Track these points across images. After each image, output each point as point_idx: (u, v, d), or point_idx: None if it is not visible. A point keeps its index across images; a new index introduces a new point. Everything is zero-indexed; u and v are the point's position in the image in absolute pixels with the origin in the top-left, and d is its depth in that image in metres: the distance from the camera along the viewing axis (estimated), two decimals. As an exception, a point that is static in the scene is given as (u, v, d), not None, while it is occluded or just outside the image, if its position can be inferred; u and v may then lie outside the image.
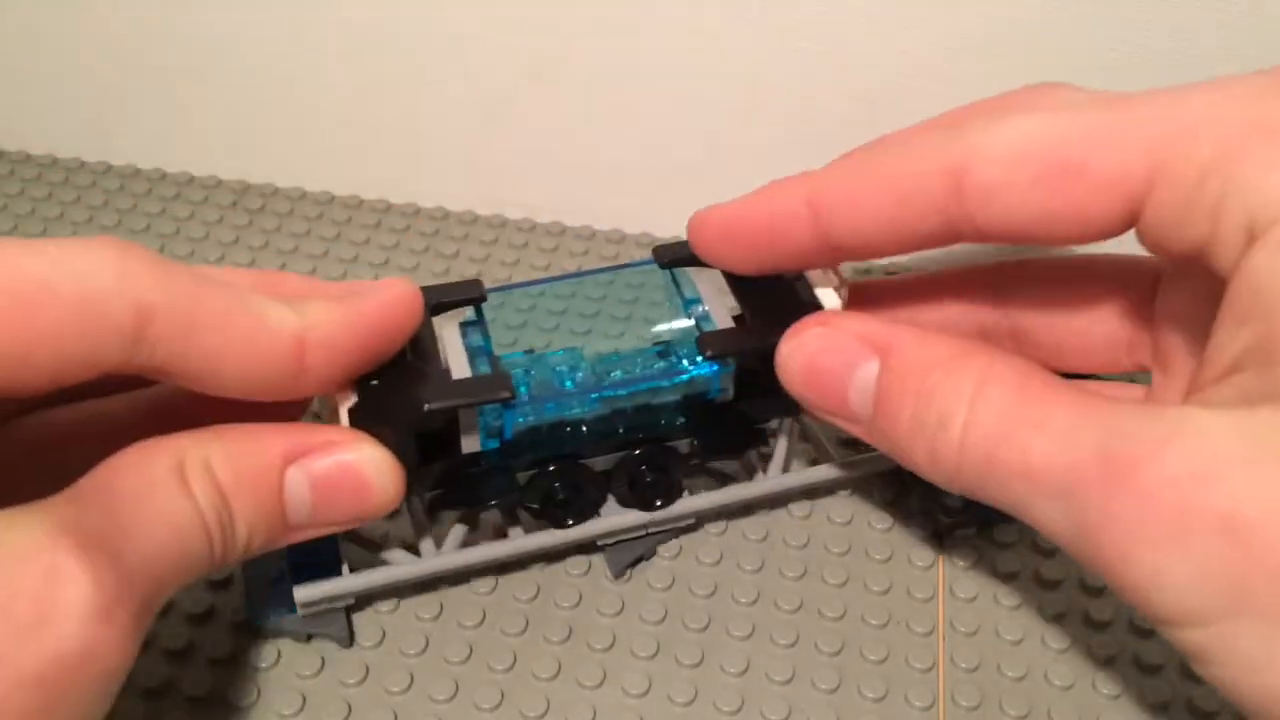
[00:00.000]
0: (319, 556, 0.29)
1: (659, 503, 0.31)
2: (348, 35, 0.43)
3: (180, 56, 0.45)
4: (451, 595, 0.31)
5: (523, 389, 0.28)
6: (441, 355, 0.28)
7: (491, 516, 0.33)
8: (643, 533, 0.32)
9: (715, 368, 0.29)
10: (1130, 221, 0.23)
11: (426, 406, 0.26)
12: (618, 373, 0.30)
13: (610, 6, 0.41)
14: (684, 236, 0.45)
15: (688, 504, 0.32)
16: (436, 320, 0.28)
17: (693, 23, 0.41)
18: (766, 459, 0.33)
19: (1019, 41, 0.39)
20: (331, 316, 0.25)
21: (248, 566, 0.30)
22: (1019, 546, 0.33)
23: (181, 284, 0.23)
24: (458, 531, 0.31)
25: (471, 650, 0.30)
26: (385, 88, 0.44)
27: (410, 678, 0.29)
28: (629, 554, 0.32)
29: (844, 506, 0.34)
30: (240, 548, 0.25)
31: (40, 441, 0.28)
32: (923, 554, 0.33)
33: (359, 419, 0.26)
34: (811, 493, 0.34)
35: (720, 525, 0.33)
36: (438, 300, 0.29)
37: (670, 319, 0.30)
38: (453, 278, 0.43)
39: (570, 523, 0.31)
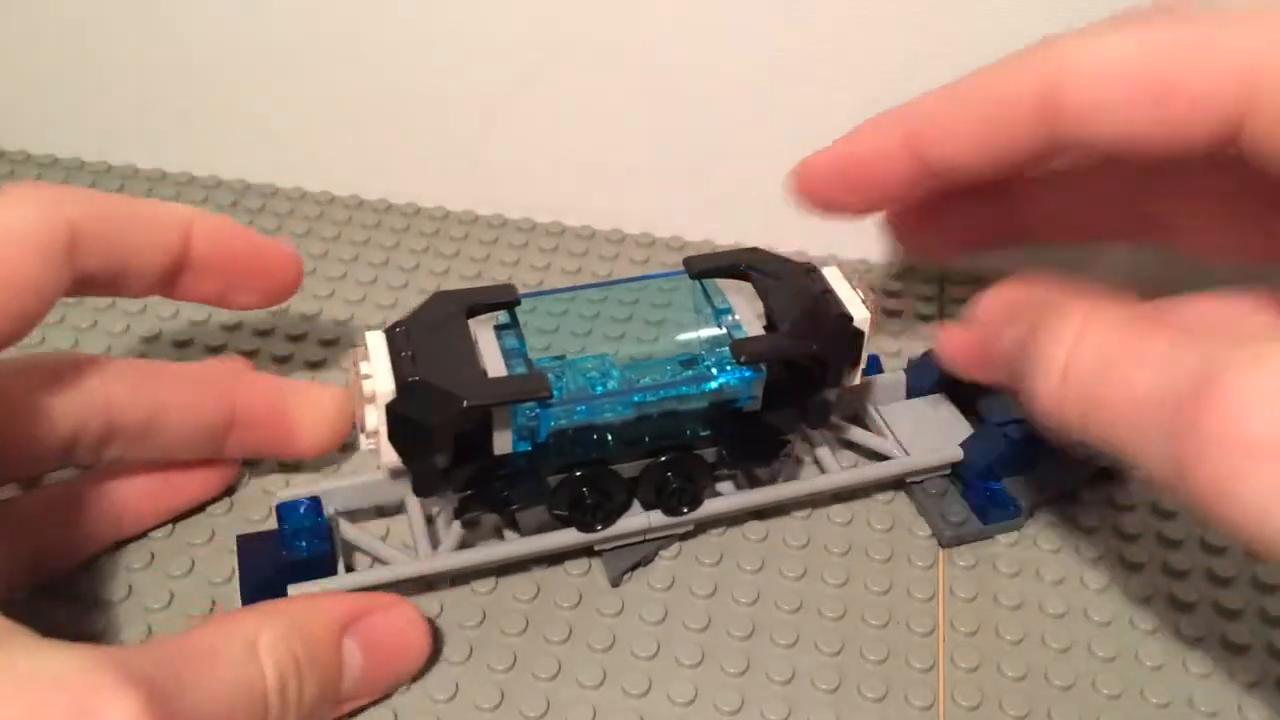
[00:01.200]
0: (314, 556, 0.29)
1: (685, 509, 0.31)
2: (348, 35, 0.43)
3: (180, 57, 0.45)
4: (451, 595, 0.31)
5: (557, 391, 0.28)
6: (478, 356, 0.28)
7: (491, 517, 0.33)
8: (641, 538, 0.32)
9: (748, 374, 0.29)
10: (1230, 135, 0.23)
11: (466, 403, 0.26)
12: (649, 378, 0.30)
13: (610, 7, 0.41)
14: (683, 237, 0.45)
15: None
16: (472, 323, 0.29)
17: (693, 23, 0.41)
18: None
19: (1020, 38, 0.39)
20: (220, 219, 0.31)
21: (244, 566, 0.30)
22: (1020, 546, 0.33)
23: (89, 197, 0.28)
24: (457, 531, 0.31)
25: (471, 650, 0.30)
26: (385, 88, 0.44)
27: (410, 678, 0.29)
28: (627, 560, 0.32)
29: (844, 507, 0.34)
30: (304, 715, 0.26)
31: (11, 523, 0.30)
32: (923, 554, 0.33)
33: (397, 414, 0.27)
34: (814, 500, 0.34)
35: (719, 526, 0.33)
36: (473, 303, 0.29)
37: (700, 328, 0.31)
38: (453, 278, 0.43)
39: (599, 527, 0.31)
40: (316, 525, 0.30)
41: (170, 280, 0.31)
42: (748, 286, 0.31)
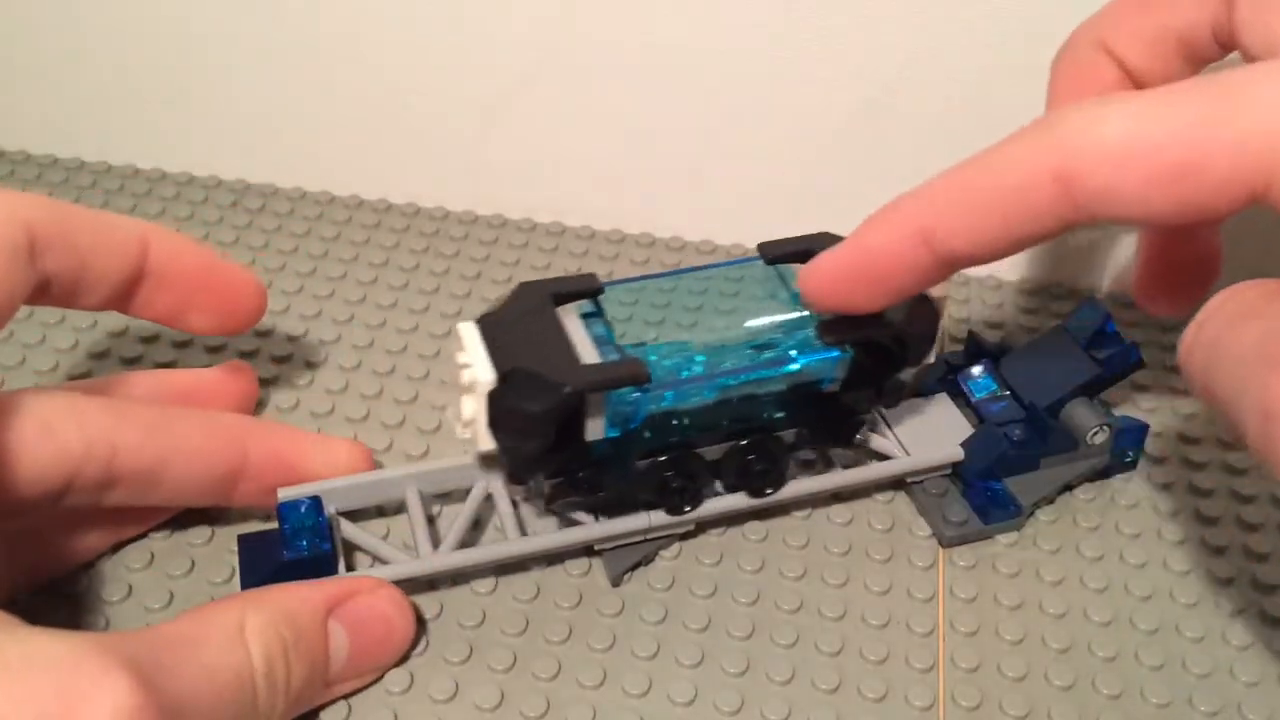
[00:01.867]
0: (314, 556, 0.29)
1: (768, 490, 0.32)
2: (348, 35, 0.43)
3: (180, 56, 0.45)
4: (451, 595, 0.31)
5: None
6: (571, 343, 0.28)
7: (493, 519, 0.33)
8: (641, 538, 0.32)
9: (834, 355, 0.30)
10: (1253, 200, 0.23)
11: (569, 389, 0.27)
12: (729, 362, 0.30)
13: (610, 7, 0.41)
14: (683, 237, 0.45)
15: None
16: (559, 311, 0.29)
17: (693, 23, 0.41)
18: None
19: (1021, 38, 0.39)
20: (178, 235, 0.32)
21: (244, 565, 0.30)
22: (1020, 546, 0.33)
23: (47, 202, 0.28)
24: (457, 531, 0.31)
25: (471, 650, 0.30)
26: (385, 88, 0.44)
27: (410, 677, 0.29)
28: (627, 560, 0.32)
29: (844, 507, 0.34)
30: (292, 699, 0.26)
31: (11, 529, 0.29)
32: (923, 554, 0.33)
33: (499, 402, 0.27)
34: (814, 500, 0.34)
35: (719, 526, 0.33)
36: (558, 291, 0.30)
37: (776, 312, 0.31)
38: (453, 278, 0.43)
39: (687, 510, 0.31)
40: (317, 524, 0.30)
41: (127, 292, 0.31)
42: None
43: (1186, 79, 0.24)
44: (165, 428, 0.29)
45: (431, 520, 0.32)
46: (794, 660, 0.30)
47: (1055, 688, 0.30)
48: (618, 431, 0.29)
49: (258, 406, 0.37)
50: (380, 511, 0.33)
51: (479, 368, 0.27)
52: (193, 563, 0.32)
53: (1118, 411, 0.35)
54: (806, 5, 0.40)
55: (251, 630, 0.25)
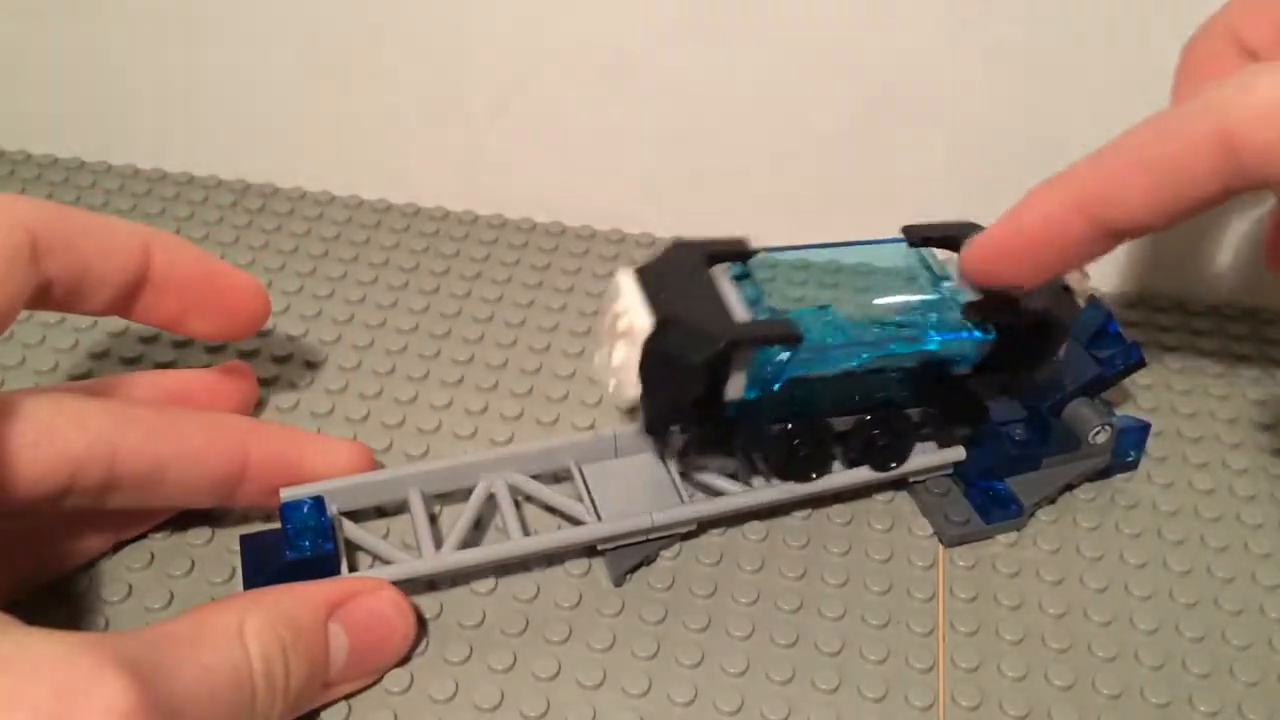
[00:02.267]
0: (317, 556, 0.29)
1: (893, 465, 0.33)
2: (348, 36, 0.43)
3: (181, 57, 0.45)
4: (451, 595, 0.31)
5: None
6: (725, 300, 0.29)
7: (494, 519, 0.33)
8: (643, 538, 0.32)
9: (976, 336, 0.30)
10: None
11: (724, 341, 0.27)
12: (871, 334, 0.31)
13: (610, 6, 0.41)
14: (683, 235, 0.45)
15: (687, 510, 0.32)
16: (711, 271, 0.30)
17: (693, 23, 0.41)
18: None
19: (1021, 38, 0.39)
20: (180, 241, 0.32)
21: (247, 566, 0.30)
22: (1020, 546, 0.33)
23: (49, 206, 0.28)
24: (460, 531, 0.31)
25: (471, 650, 0.30)
26: (385, 88, 0.44)
27: (410, 677, 0.29)
28: (629, 560, 0.32)
29: (844, 507, 0.34)
30: (291, 699, 0.26)
31: (11, 531, 0.29)
32: (923, 554, 0.33)
33: (655, 349, 0.28)
34: (816, 500, 0.34)
35: (719, 526, 0.33)
36: (712, 251, 0.30)
37: (918, 291, 0.32)
38: (453, 277, 0.43)
39: (814, 476, 0.32)
40: (320, 525, 0.30)
41: (129, 297, 0.31)
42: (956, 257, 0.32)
43: None
44: (166, 430, 0.29)
45: (434, 520, 0.32)
46: (794, 660, 0.30)
47: (1055, 688, 0.30)
48: (756, 392, 0.29)
49: (258, 406, 0.37)
50: (380, 512, 0.33)
51: (635, 314, 0.28)
52: (193, 563, 0.32)
53: (1118, 411, 0.35)
54: (806, 6, 0.40)
55: (251, 631, 0.25)
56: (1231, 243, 0.43)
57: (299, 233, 0.44)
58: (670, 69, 0.42)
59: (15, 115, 0.48)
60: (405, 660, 0.29)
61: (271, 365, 0.38)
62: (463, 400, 0.37)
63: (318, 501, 0.30)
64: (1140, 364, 0.35)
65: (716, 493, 0.33)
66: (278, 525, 0.30)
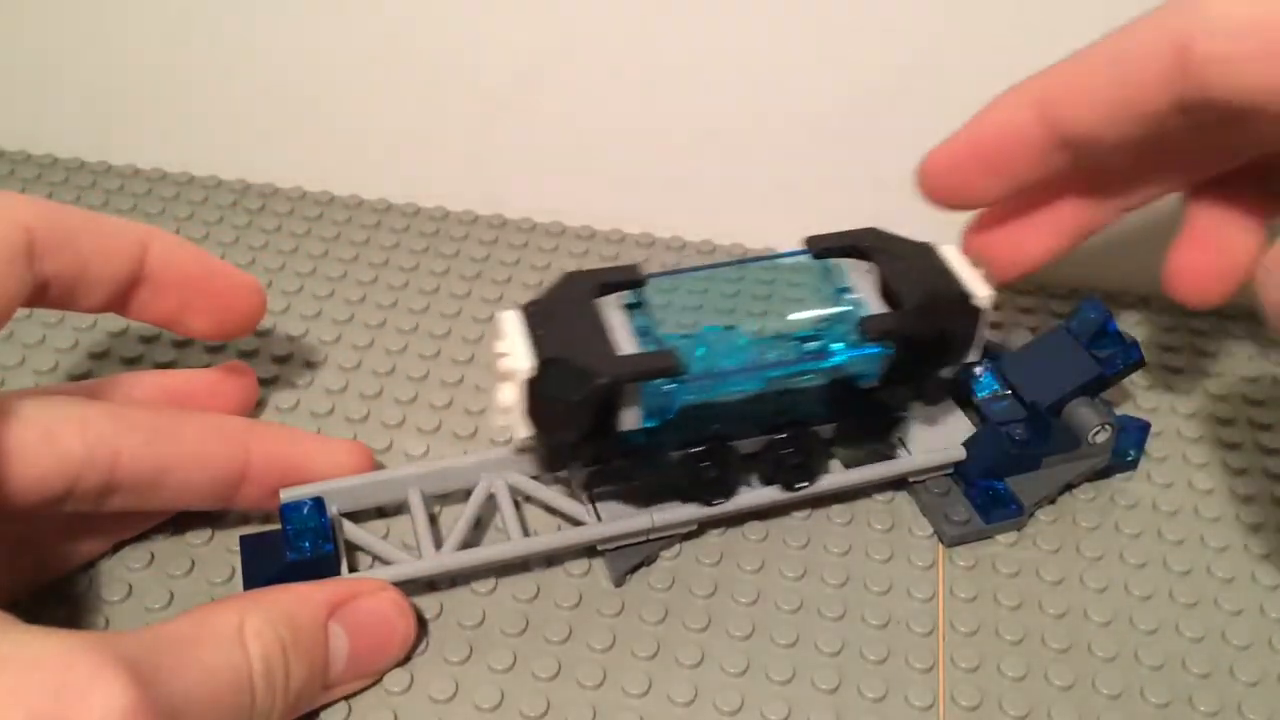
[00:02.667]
0: (317, 557, 0.29)
1: (802, 484, 0.32)
2: (348, 35, 0.43)
3: (180, 57, 0.45)
4: (451, 595, 0.31)
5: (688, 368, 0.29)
6: (610, 334, 0.29)
7: (494, 519, 0.33)
8: (644, 538, 0.32)
9: (876, 351, 0.30)
10: None
11: (601, 379, 0.27)
12: (773, 355, 0.30)
13: (610, 7, 0.41)
14: (683, 237, 0.45)
15: (687, 510, 0.32)
16: (601, 302, 0.30)
17: (693, 23, 0.41)
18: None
19: (1021, 38, 0.39)
20: (177, 239, 0.31)
21: (247, 566, 0.30)
22: (1020, 546, 0.33)
23: (46, 204, 0.28)
24: (460, 531, 0.31)
25: (471, 650, 0.30)
26: (385, 87, 0.44)
27: (410, 677, 0.29)
28: (630, 560, 0.32)
29: (844, 507, 0.34)
30: (291, 700, 0.26)
31: (11, 532, 0.29)
32: (923, 554, 0.33)
33: (536, 391, 0.27)
34: (816, 500, 0.34)
35: (720, 526, 0.33)
36: (602, 282, 0.30)
37: (821, 306, 0.31)
38: (453, 277, 0.43)
39: (719, 502, 0.32)
40: (320, 525, 0.30)
41: (126, 295, 0.31)
42: (864, 265, 0.31)
43: None
44: (167, 433, 0.29)
45: (434, 520, 0.32)
46: (794, 660, 0.30)
47: (1055, 688, 0.30)
48: (654, 422, 0.29)
49: (258, 406, 0.37)
50: (380, 512, 0.33)
51: (517, 356, 0.28)
52: (193, 563, 0.32)
53: (1118, 411, 0.35)
54: (807, 5, 0.40)
55: (251, 631, 0.25)
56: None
57: (299, 233, 0.44)
58: (670, 69, 0.42)
59: (15, 115, 0.48)
60: (405, 660, 0.29)
61: (271, 365, 0.38)
62: (463, 400, 0.37)
63: (318, 502, 0.30)
64: (1140, 364, 0.35)
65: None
66: (278, 526, 0.30)
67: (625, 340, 0.29)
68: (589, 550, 0.32)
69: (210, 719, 0.24)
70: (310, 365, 0.39)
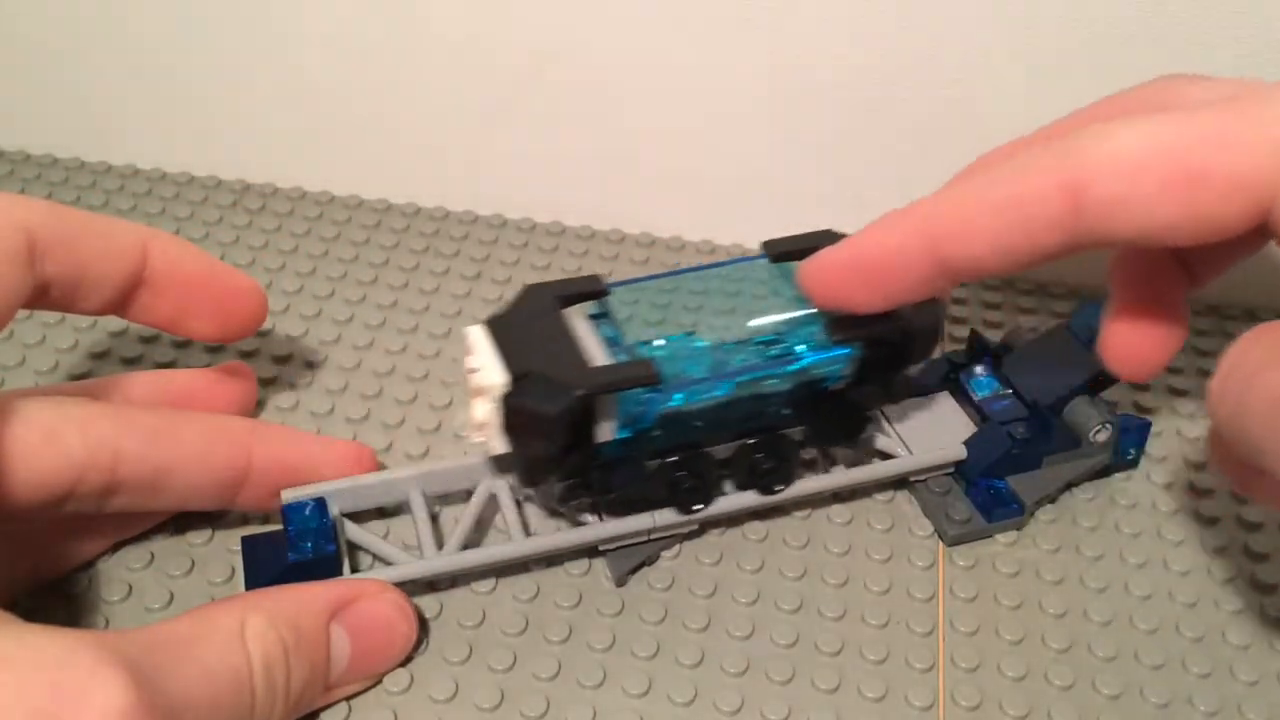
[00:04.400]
0: (319, 557, 0.29)
1: (778, 488, 0.32)
2: (348, 35, 0.43)
3: (180, 56, 0.45)
4: (451, 595, 0.31)
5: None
6: (580, 345, 0.29)
7: (495, 519, 0.33)
8: (645, 538, 0.32)
9: (843, 352, 0.30)
10: (1262, 219, 0.23)
11: (580, 392, 0.27)
12: (738, 360, 0.30)
13: (610, 7, 0.41)
14: (683, 237, 0.45)
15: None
16: (566, 313, 0.30)
17: (692, 24, 0.41)
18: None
19: (1022, 38, 0.39)
20: (178, 240, 0.32)
21: (249, 567, 0.30)
22: (1020, 546, 0.33)
23: (47, 206, 0.28)
24: (462, 532, 0.31)
25: (471, 650, 0.30)
26: (385, 88, 0.44)
27: (410, 677, 0.29)
28: (631, 560, 0.32)
29: (844, 507, 0.34)
30: (292, 702, 0.26)
31: (12, 532, 0.29)
32: (923, 554, 0.33)
33: (511, 406, 0.27)
34: (814, 500, 0.34)
35: (720, 526, 0.33)
36: (564, 294, 0.30)
37: (783, 310, 0.31)
38: (453, 278, 0.43)
39: (697, 508, 0.32)
40: (322, 526, 0.30)
41: (126, 297, 0.31)
42: None
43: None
44: (168, 434, 0.29)
45: (435, 520, 0.32)
46: (794, 660, 0.30)
47: (1055, 688, 0.30)
48: (629, 432, 0.29)
49: (258, 406, 0.37)
50: (381, 512, 0.33)
51: (490, 371, 0.27)
52: (193, 563, 0.32)
53: (1118, 411, 0.35)
54: (806, 7, 0.39)
55: (252, 632, 0.25)
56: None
57: (299, 233, 0.44)
58: (670, 69, 0.42)
59: (15, 115, 0.48)
60: (405, 660, 0.29)
61: (271, 365, 0.38)
62: (462, 400, 0.37)
63: (319, 503, 0.30)
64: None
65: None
66: (279, 526, 0.30)
67: (595, 351, 0.29)
68: (589, 550, 0.32)
69: (210, 719, 0.24)
70: (310, 365, 0.39)
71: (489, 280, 0.43)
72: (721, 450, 0.32)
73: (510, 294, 0.42)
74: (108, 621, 0.30)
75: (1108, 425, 0.33)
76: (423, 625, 0.30)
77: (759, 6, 0.40)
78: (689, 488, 0.31)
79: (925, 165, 0.42)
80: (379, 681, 0.29)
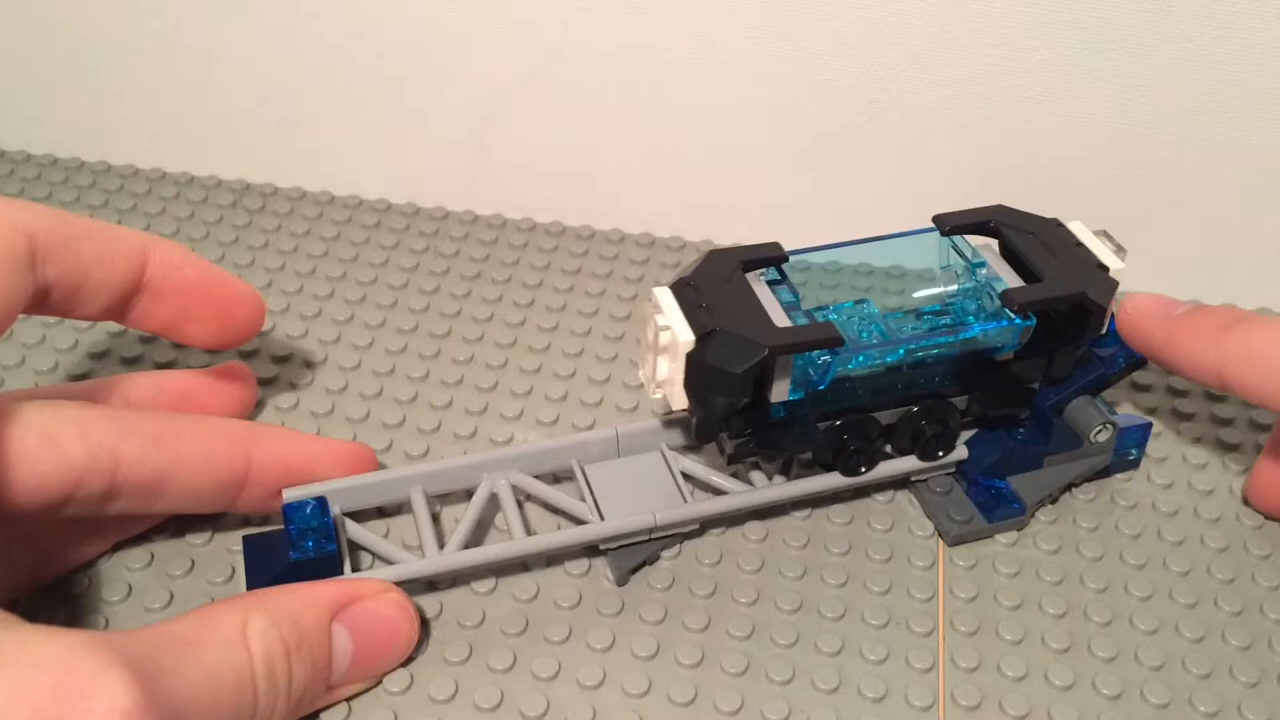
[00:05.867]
0: (320, 556, 0.29)
1: (940, 454, 0.33)
2: (348, 36, 0.43)
3: (180, 57, 0.45)
4: (451, 595, 0.31)
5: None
6: (763, 307, 0.29)
7: (496, 519, 0.33)
8: (646, 538, 0.32)
9: (1017, 323, 0.30)
10: None
11: (769, 349, 0.28)
12: (909, 328, 0.31)
13: (610, 8, 0.41)
14: (683, 237, 0.45)
15: (690, 509, 0.32)
16: (748, 278, 0.30)
17: (691, 25, 0.41)
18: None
19: (1022, 38, 0.39)
20: (178, 247, 0.32)
21: (250, 566, 0.30)
22: (1020, 546, 0.33)
23: (48, 211, 0.28)
24: (463, 531, 0.31)
25: (471, 650, 0.30)
26: (385, 88, 0.44)
27: (410, 678, 0.29)
28: (632, 559, 0.32)
29: (844, 507, 0.34)
30: (294, 702, 0.26)
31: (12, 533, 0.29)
32: (923, 554, 0.33)
33: (698, 362, 0.28)
34: (814, 500, 0.34)
35: (720, 526, 0.33)
36: (746, 259, 0.31)
37: (950, 282, 0.32)
38: (453, 278, 0.43)
39: (863, 470, 0.33)
40: (323, 525, 0.30)
41: (126, 303, 0.31)
42: (993, 243, 0.32)
43: None
44: (169, 437, 0.29)
45: (436, 519, 0.32)
46: (794, 660, 0.30)
47: (1055, 688, 0.30)
48: (801, 394, 0.29)
49: (257, 407, 0.37)
50: (381, 512, 0.33)
51: (678, 329, 0.28)
52: (193, 563, 0.32)
53: (1119, 411, 0.35)
54: (805, 8, 0.40)
55: (254, 632, 0.25)
56: (1233, 244, 0.43)
57: (299, 233, 0.44)
58: (670, 69, 0.42)
59: (15, 115, 0.48)
60: (406, 660, 0.29)
61: (271, 365, 0.38)
62: (463, 400, 0.37)
63: (320, 502, 0.30)
64: (1140, 364, 0.35)
65: (718, 492, 0.33)
66: (279, 526, 0.30)
67: (777, 313, 0.29)
68: (590, 550, 0.32)
69: (212, 719, 0.24)
70: (310, 365, 0.39)
71: (489, 280, 0.43)
72: (885, 416, 0.32)
73: (510, 294, 0.42)
74: (108, 621, 0.30)
75: (1108, 425, 0.33)
76: (423, 625, 0.30)
77: (760, 7, 0.40)
78: (855, 449, 0.32)
79: (927, 164, 0.43)
80: (379, 682, 0.29)
